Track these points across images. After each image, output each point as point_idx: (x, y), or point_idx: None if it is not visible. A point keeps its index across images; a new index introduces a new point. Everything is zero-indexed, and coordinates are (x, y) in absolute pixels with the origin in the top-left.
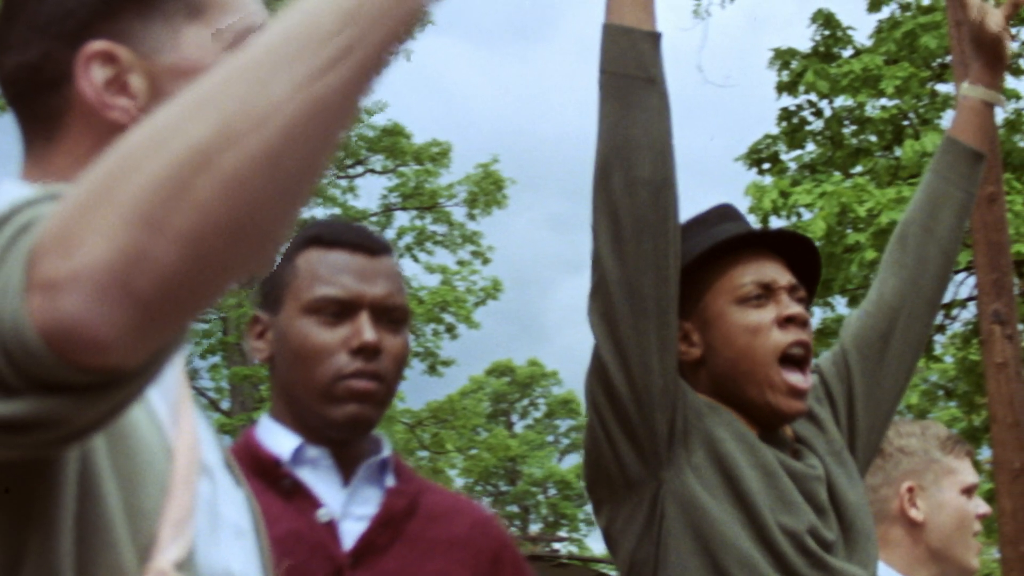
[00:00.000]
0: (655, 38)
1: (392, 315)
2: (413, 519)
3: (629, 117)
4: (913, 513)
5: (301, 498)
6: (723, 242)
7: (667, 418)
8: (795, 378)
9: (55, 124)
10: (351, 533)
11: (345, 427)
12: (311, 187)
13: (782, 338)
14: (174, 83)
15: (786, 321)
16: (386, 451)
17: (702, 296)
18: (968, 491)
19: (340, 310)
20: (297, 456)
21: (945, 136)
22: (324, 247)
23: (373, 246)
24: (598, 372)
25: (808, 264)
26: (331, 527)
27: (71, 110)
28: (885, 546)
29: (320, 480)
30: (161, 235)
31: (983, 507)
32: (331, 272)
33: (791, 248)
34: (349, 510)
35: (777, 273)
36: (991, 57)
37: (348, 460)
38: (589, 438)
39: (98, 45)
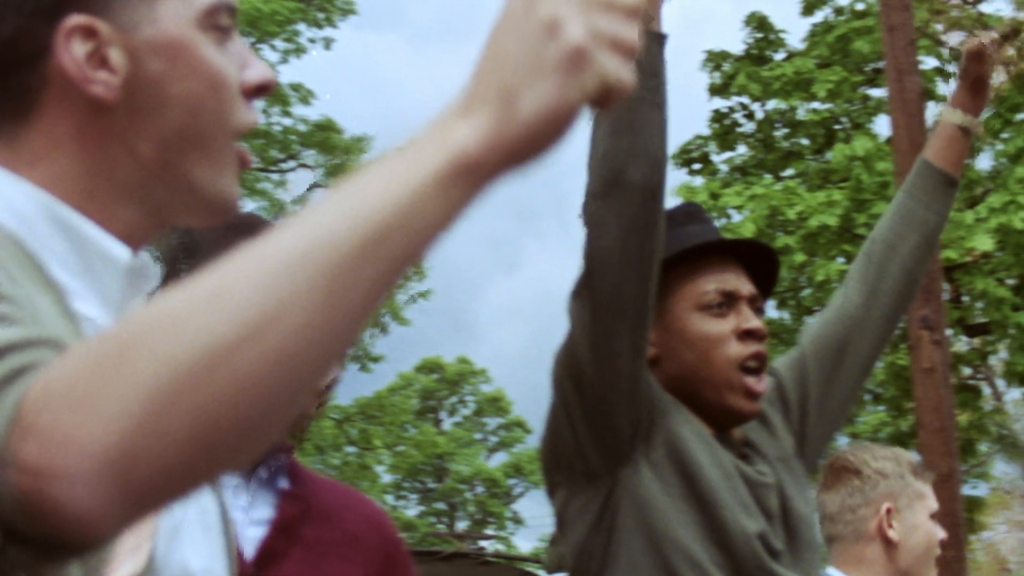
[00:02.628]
0: (660, 39)
1: None
2: (308, 522)
3: (632, 127)
4: (891, 533)
5: None
6: (694, 247)
7: (632, 418)
8: (752, 380)
9: (30, 103)
10: (251, 540)
11: None
12: (318, 385)
13: (741, 350)
14: (152, 58)
15: (745, 334)
16: (281, 453)
17: (664, 298)
18: (934, 516)
19: None
20: None
21: (920, 159)
22: None
23: None
24: (569, 364)
25: (765, 270)
26: None
27: (47, 87)
28: (859, 564)
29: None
30: (166, 430)
31: (942, 532)
32: None
33: (751, 255)
34: (248, 516)
35: (739, 282)
36: (976, 84)
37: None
38: (552, 424)
39: (78, 19)
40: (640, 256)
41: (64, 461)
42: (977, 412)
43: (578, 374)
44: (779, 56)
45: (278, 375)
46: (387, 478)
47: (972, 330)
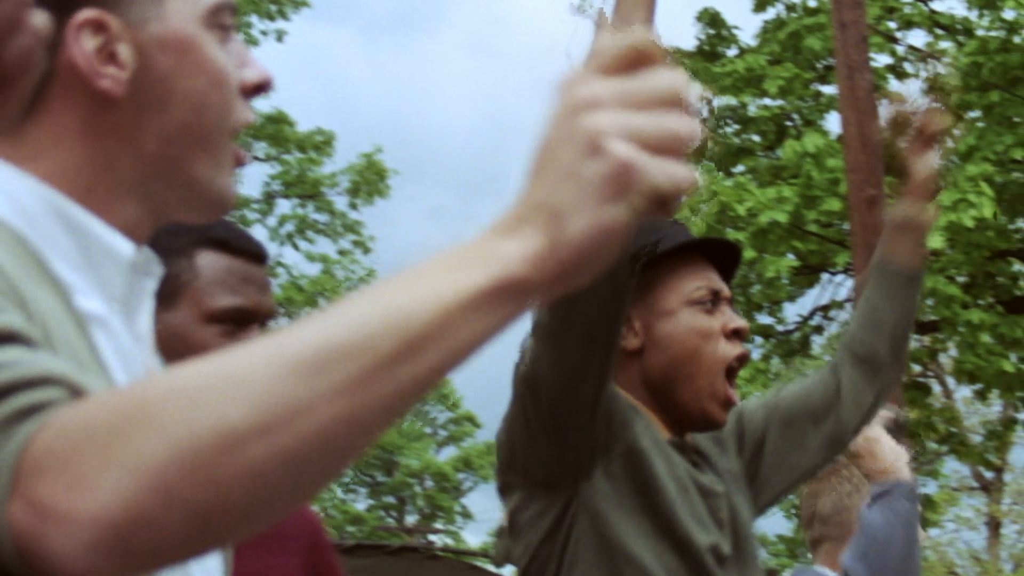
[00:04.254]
0: None
1: (267, 321)
2: None
3: None
4: None
5: None
6: (692, 242)
7: (594, 435)
8: (731, 391)
9: (37, 96)
10: None
11: None
12: (329, 482)
13: (730, 350)
14: (159, 54)
15: (733, 333)
16: None
17: (654, 289)
18: None
19: (243, 319)
20: None
21: (877, 262)
22: (229, 253)
23: (265, 255)
24: (531, 381)
25: (727, 271)
26: None
27: (54, 81)
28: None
29: None
30: (171, 504)
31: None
32: (238, 283)
33: (718, 254)
34: None
35: (720, 283)
36: (914, 177)
37: None
38: (511, 429)
39: (89, 13)
40: (617, 297)
41: (69, 513)
42: (926, 409)
43: (539, 392)
44: (731, 52)
45: (288, 471)
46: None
47: (922, 328)
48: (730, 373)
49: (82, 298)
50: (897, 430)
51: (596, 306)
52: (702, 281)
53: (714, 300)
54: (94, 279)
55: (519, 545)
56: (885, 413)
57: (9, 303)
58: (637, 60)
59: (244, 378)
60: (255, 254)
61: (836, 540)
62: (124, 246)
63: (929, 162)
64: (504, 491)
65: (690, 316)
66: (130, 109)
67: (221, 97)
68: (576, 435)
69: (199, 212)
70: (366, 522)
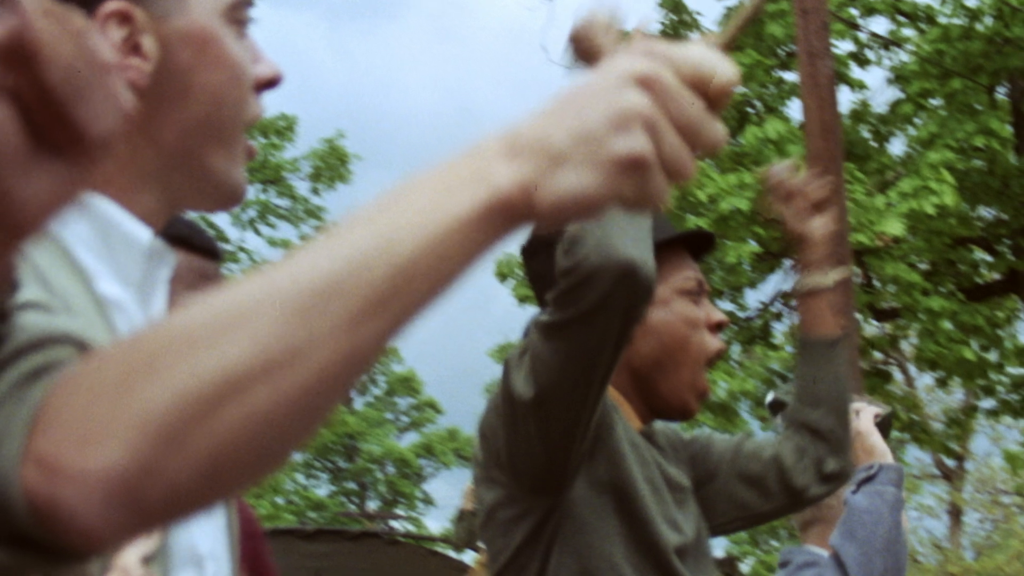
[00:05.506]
0: None
1: None
2: None
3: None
4: None
5: None
6: (687, 234)
7: (584, 444)
8: (707, 384)
9: None
10: None
11: None
12: (330, 415)
13: (713, 343)
14: (181, 47)
15: (716, 327)
16: None
17: None
18: None
19: None
20: None
21: (798, 338)
22: (188, 250)
23: (221, 252)
24: (536, 393)
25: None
26: None
27: None
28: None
29: None
30: (179, 453)
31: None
32: (196, 279)
33: (697, 248)
34: None
35: (702, 275)
36: (811, 245)
37: None
38: (500, 427)
39: (115, 4)
40: (636, 314)
41: (79, 468)
42: (886, 397)
43: (544, 405)
44: (693, 38)
45: (293, 410)
46: (297, 457)
47: (882, 315)
48: (707, 366)
49: (102, 283)
50: (883, 428)
51: (614, 322)
52: (690, 271)
53: (700, 292)
54: (112, 265)
55: (499, 540)
56: (876, 410)
57: (32, 281)
58: (702, 80)
59: (244, 320)
60: (213, 251)
61: (827, 522)
62: (142, 233)
63: (822, 227)
64: (484, 483)
65: (681, 305)
66: (151, 101)
67: (238, 91)
68: (574, 443)
69: (213, 203)
70: (327, 508)
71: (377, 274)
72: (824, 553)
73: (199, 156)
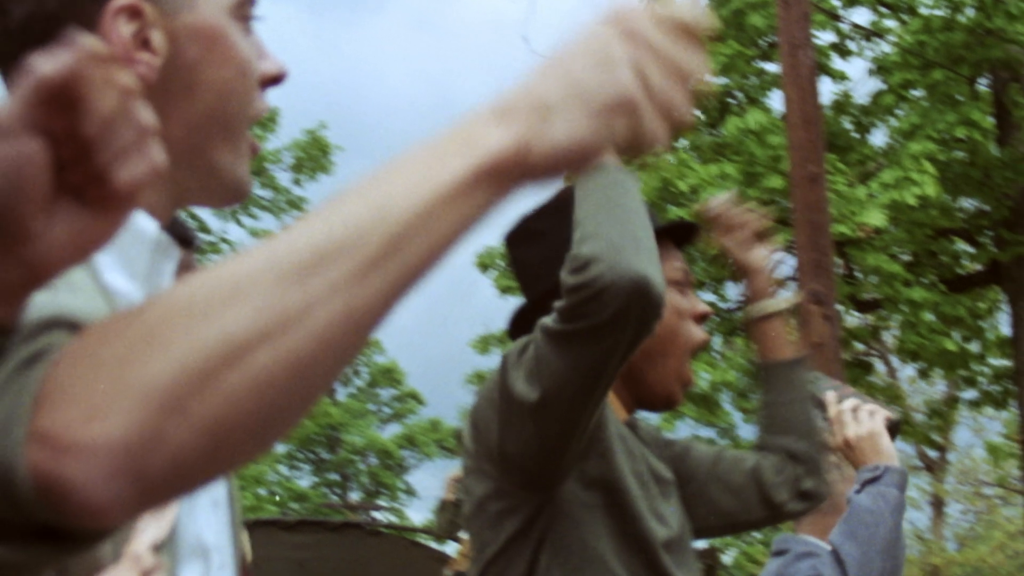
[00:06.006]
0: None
1: None
2: None
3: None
4: None
5: None
6: (678, 224)
7: (582, 443)
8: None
9: None
10: None
11: None
12: (332, 383)
13: (698, 334)
14: (190, 42)
15: (701, 317)
16: None
17: None
18: None
19: None
20: None
21: (757, 367)
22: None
23: (197, 241)
24: (543, 396)
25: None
26: None
27: None
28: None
29: None
30: (182, 421)
31: None
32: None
33: (679, 240)
34: None
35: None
36: (755, 274)
37: None
38: (491, 430)
39: None
40: (653, 321)
41: (83, 441)
42: (868, 388)
43: (551, 408)
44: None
45: (294, 375)
46: (280, 448)
47: (864, 306)
48: (691, 356)
49: (108, 274)
50: (892, 432)
51: (625, 336)
52: (678, 262)
53: (686, 281)
54: (119, 257)
55: (487, 532)
56: (888, 414)
57: None
58: (680, 28)
59: (241, 288)
60: (189, 240)
61: (821, 512)
62: (149, 225)
63: (764, 255)
64: (473, 473)
65: (670, 296)
66: (159, 96)
67: (244, 87)
68: (571, 445)
69: (218, 199)
70: (310, 499)
71: (372, 239)
72: (821, 544)
73: (205, 151)
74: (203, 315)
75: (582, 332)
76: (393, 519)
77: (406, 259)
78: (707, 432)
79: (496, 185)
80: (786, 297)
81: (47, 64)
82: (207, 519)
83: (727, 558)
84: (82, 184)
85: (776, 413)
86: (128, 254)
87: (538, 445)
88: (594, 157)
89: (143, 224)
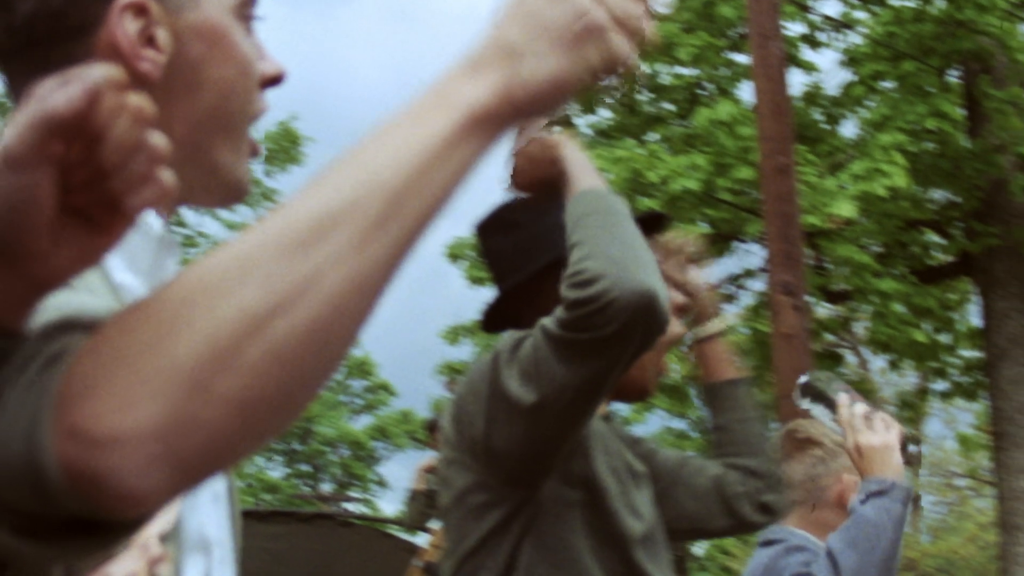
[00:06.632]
0: None
1: None
2: None
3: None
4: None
5: None
6: (644, 216)
7: (561, 458)
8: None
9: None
10: None
11: None
12: (348, 350)
13: (676, 327)
14: (193, 41)
15: (678, 310)
16: None
17: None
18: None
19: None
20: None
21: (703, 390)
22: None
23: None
24: (543, 397)
25: None
26: None
27: (92, 60)
28: (817, 526)
29: None
30: (210, 400)
31: None
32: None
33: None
34: None
35: None
36: (696, 299)
37: None
38: (475, 425)
39: None
40: (642, 348)
41: (114, 431)
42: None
43: (552, 411)
44: None
45: (312, 343)
46: None
47: (834, 297)
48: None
49: (119, 274)
50: (902, 447)
51: (630, 348)
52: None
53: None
54: (125, 253)
55: (467, 524)
56: (901, 428)
57: None
58: None
59: (251, 263)
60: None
61: (805, 505)
62: (154, 221)
63: (702, 279)
64: (454, 466)
65: None
66: (162, 93)
67: (246, 87)
68: (560, 447)
69: (218, 197)
70: (282, 490)
71: (371, 203)
72: (814, 540)
73: (206, 150)
74: (217, 294)
75: (587, 343)
76: (365, 510)
77: (405, 219)
78: (678, 424)
79: (482, 135)
80: (726, 317)
81: (60, 96)
82: (208, 513)
83: (698, 549)
84: (89, 207)
85: (728, 435)
86: (133, 250)
87: (527, 445)
88: (573, 90)
89: (148, 219)
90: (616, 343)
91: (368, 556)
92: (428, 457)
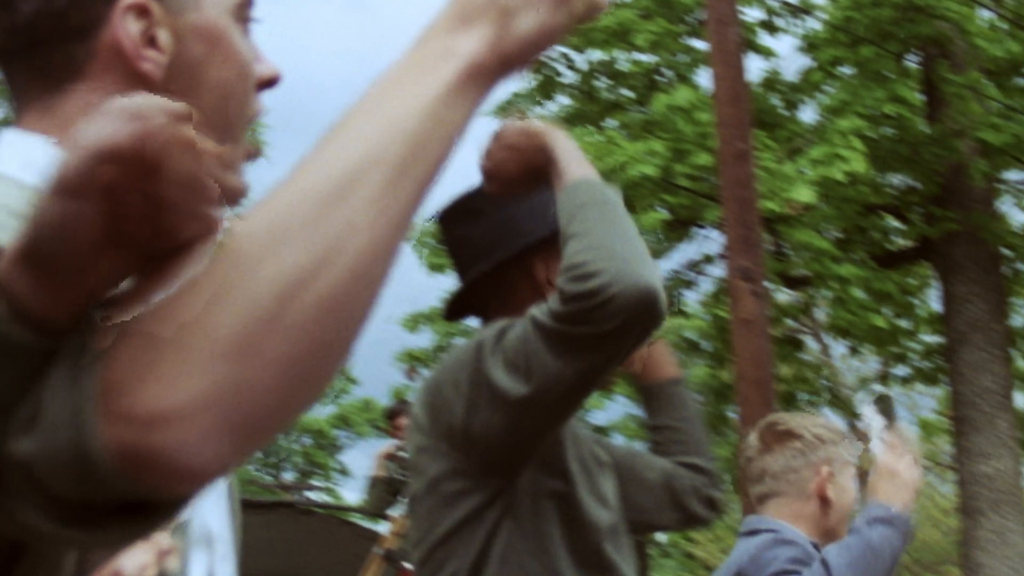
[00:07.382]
0: None
1: None
2: None
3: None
4: (829, 493)
5: None
6: None
7: (541, 449)
8: None
9: (73, 74)
10: None
11: None
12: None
13: None
14: (194, 42)
15: None
16: None
17: None
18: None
19: None
20: None
21: (643, 392)
22: None
23: None
24: (537, 391)
25: None
26: None
27: (94, 60)
28: (796, 519)
29: None
30: (259, 364)
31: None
32: None
33: None
34: None
35: None
36: None
37: None
38: (454, 413)
39: None
40: (638, 343)
41: (168, 408)
42: (798, 365)
43: (545, 405)
44: None
45: (352, 292)
46: None
47: (793, 282)
48: None
49: None
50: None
51: (627, 343)
52: None
53: None
54: None
55: (440, 511)
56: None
57: None
58: None
59: (284, 225)
60: None
61: (784, 496)
62: None
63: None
64: (427, 453)
65: None
66: (163, 94)
67: (244, 88)
68: (543, 438)
69: None
70: (243, 479)
71: (393, 152)
72: (803, 535)
73: None
74: (256, 260)
75: (584, 337)
76: (327, 499)
77: (425, 164)
78: (640, 412)
79: (481, 85)
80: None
81: (115, 127)
82: (211, 508)
83: (662, 536)
84: (139, 236)
85: (674, 434)
86: None
87: (510, 435)
88: (559, 35)
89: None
90: (614, 339)
91: (329, 544)
92: (388, 445)
